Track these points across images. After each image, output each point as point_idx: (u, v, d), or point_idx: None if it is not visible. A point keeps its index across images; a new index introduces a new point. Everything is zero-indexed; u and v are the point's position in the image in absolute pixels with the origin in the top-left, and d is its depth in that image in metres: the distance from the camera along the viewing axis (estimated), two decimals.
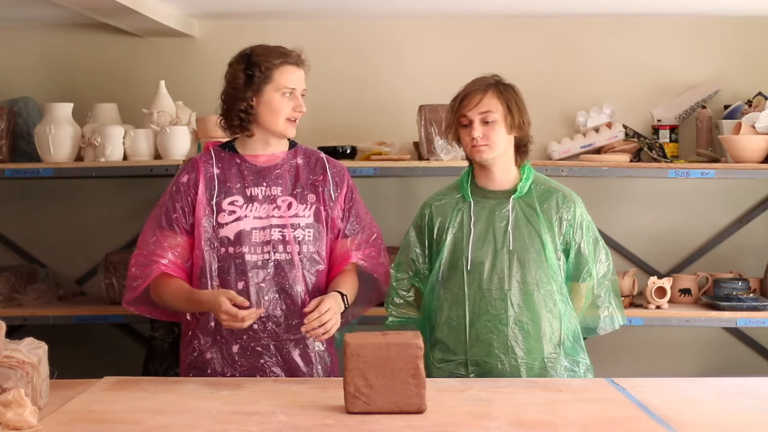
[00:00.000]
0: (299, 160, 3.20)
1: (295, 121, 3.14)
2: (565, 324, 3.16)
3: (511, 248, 3.13)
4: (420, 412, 2.52)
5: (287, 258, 3.10)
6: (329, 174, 3.19)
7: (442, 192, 3.29)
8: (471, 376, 3.11)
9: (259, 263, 3.09)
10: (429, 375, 3.07)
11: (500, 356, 3.11)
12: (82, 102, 4.57)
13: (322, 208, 3.16)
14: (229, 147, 3.22)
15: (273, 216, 3.11)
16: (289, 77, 3.10)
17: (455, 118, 3.15)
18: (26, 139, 4.53)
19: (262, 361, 3.10)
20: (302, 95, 3.15)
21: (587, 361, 3.21)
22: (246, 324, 2.94)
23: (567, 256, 3.19)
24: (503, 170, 3.19)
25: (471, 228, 3.17)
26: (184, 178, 3.17)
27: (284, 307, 3.10)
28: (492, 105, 3.11)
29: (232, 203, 3.12)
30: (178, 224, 3.14)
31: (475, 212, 3.18)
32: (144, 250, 3.14)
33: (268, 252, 3.09)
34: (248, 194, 3.12)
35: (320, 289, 3.15)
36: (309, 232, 3.13)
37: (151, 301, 3.18)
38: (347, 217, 3.21)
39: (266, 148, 3.17)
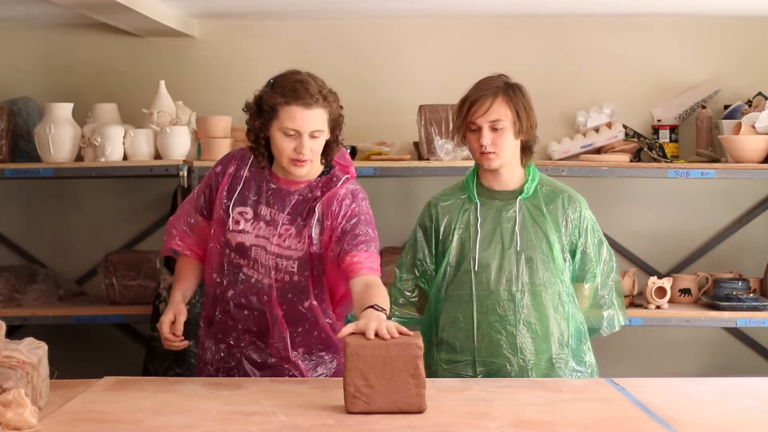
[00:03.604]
0: (318, 192, 3.06)
1: (303, 161, 2.97)
2: (572, 324, 3.16)
3: (518, 249, 3.13)
4: (420, 411, 2.51)
5: (268, 283, 3.04)
6: (317, 212, 3.02)
7: (447, 192, 3.28)
8: (479, 376, 3.10)
9: (252, 280, 3.06)
10: (435, 375, 3.09)
11: (508, 357, 3.11)
12: (82, 102, 4.58)
13: (311, 244, 3.03)
14: (270, 157, 3.11)
15: (270, 241, 3.04)
16: (292, 118, 2.94)
17: (464, 123, 3.14)
18: (26, 139, 4.54)
19: (242, 365, 3.12)
20: (313, 136, 2.96)
21: (593, 362, 3.22)
22: (166, 347, 3.04)
23: (572, 256, 3.19)
24: (510, 171, 3.19)
25: (478, 229, 3.17)
26: (218, 168, 3.17)
27: (262, 327, 3.07)
28: (501, 112, 3.08)
29: (241, 213, 3.08)
30: (201, 210, 3.17)
31: (482, 213, 3.18)
32: (175, 219, 3.24)
33: (261, 273, 3.05)
34: (258, 211, 3.07)
35: (308, 315, 3.08)
36: (296, 264, 3.03)
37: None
38: (348, 234, 3.01)
39: (286, 174, 3.06)
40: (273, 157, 3.08)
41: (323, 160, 3.07)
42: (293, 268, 3.04)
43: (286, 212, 3.05)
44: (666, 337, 4.89)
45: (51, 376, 2.64)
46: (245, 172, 3.11)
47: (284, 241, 3.04)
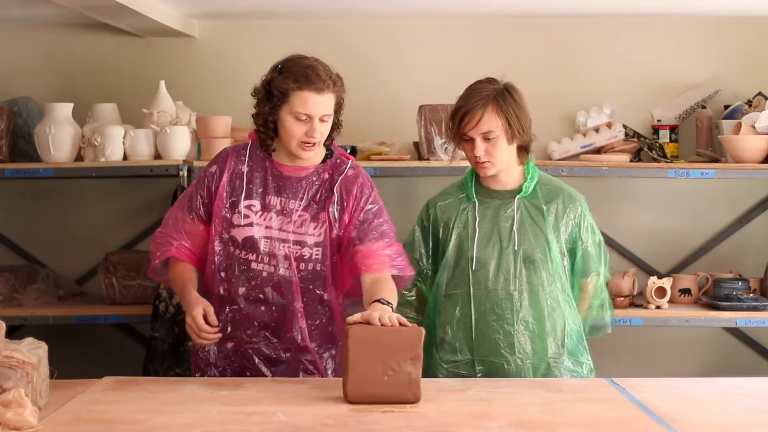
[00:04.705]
0: (326, 175, 3.11)
1: (312, 144, 3.02)
2: (569, 324, 3.16)
3: (516, 248, 3.13)
4: (420, 332, 2.63)
5: (288, 274, 3.05)
6: (336, 194, 3.07)
7: (446, 191, 3.29)
8: (478, 375, 3.11)
9: (264, 274, 3.06)
10: (435, 375, 3.11)
11: (506, 356, 3.11)
12: (82, 102, 4.57)
13: (331, 227, 3.07)
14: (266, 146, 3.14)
15: (285, 230, 3.06)
16: (305, 103, 2.99)
17: (457, 134, 3.13)
18: (26, 139, 4.54)
19: (253, 362, 3.10)
20: (323, 120, 3.01)
21: (590, 362, 3.22)
22: (200, 342, 2.96)
23: (572, 255, 3.19)
24: (507, 173, 3.19)
25: (476, 228, 3.17)
26: (213, 168, 3.14)
27: (279, 321, 3.07)
28: (492, 123, 3.07)
29: (248, 207, 3.08)
30: (197, 213, 3.13)
31: (480, 212, 3.18)
32: (165, 229, 3.18)
33: (274, 265, 3.05)
34: (266, 202, 3.07)
35: (325, 308, 3.11)
36: (317, 251, 3.07)
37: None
38: (368, 223, 3.09)
39: (293, 161, 3.10)
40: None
41: (326, 143, 3.12)
42: (318, 255, 3.06)
43: (298, 198, 3.08)
44: (666, 337, 4.88)
45: (51, 376, 2.64)
46: (244, 167, 3.12)
47: (300, 227, 3.06)
